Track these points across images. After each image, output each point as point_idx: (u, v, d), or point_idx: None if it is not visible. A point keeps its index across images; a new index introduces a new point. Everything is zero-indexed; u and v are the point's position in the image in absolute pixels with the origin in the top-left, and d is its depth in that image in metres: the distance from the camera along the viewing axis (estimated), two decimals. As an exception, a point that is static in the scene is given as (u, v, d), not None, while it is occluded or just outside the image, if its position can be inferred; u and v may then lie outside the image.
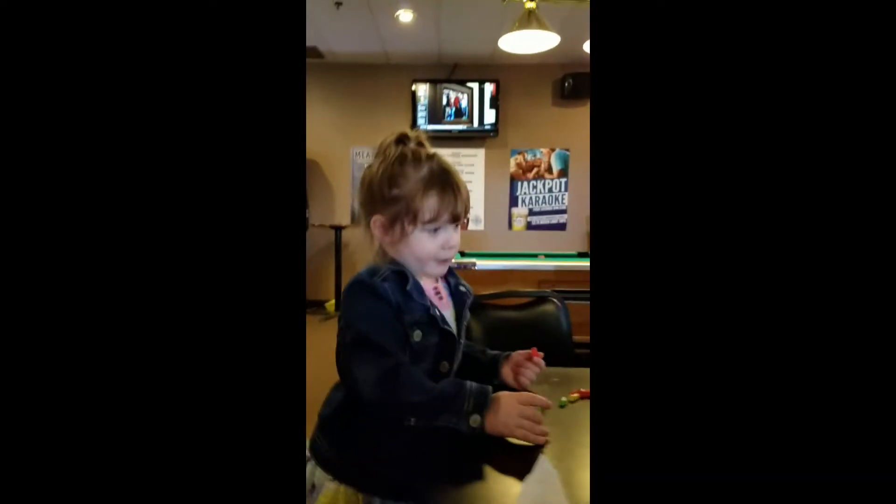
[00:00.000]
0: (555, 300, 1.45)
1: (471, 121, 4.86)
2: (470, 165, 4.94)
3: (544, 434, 0.66)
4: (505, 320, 1.41)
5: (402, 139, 0.81)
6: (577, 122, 4.93)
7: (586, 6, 2.91)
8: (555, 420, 0.77)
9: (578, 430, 0.73)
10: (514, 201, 5.06)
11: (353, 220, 5.08)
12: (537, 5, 2.64)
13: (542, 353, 0.87)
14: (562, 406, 0.81)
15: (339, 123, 5.04)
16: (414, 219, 0.77)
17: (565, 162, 5.03)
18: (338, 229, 4.81)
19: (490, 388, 0.69)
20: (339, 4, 3.66)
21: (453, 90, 4.85)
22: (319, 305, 4.93)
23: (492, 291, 1.48)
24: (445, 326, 0.80)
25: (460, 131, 4.86)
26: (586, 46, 3.00)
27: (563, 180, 5.03)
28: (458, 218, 0.79)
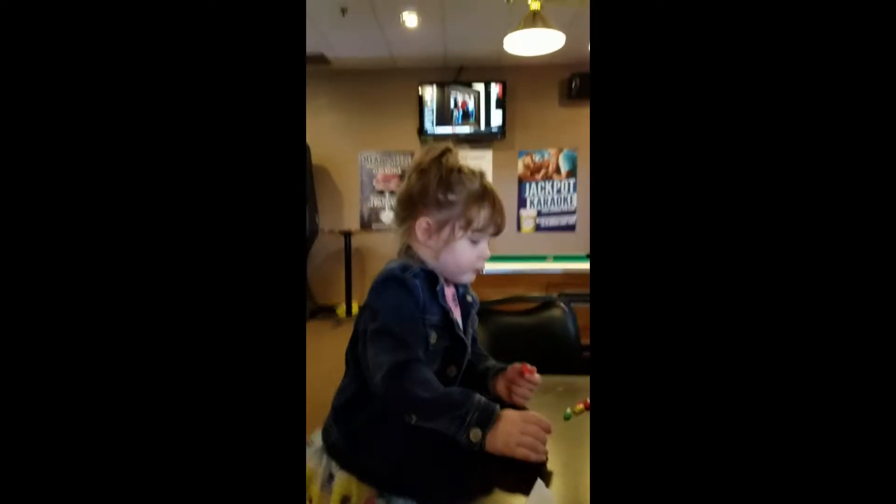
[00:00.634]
0: (561, 304, 1.44)
1: (478, 123, 4.85)
2: (477, 168, 4.93)
3: (545, 454, 0.66)
4: (511, 326, 1.40)
5: (447, 151, 0.85)
6: (584, 122, 4.89)
7: (591, 6, 2.88)
8: (559, 434, 0.75)
9: (584, 443, 0.72)
10: (522, 203, 5.03)
11: (363, 225, 5.09)
12: (542, 6, 2.62)
13: (534, 368, 0.85)
14: (566, 418, 0.79)
15: (346, 129, 5.05)
16: (466, 225, 0.81)
17: (573, 162, 4.99)
18: (347, 235, 4.82)
19: (497, 406, 0.69)
20: (344, 11, 3.67)
21: (460, 93, 4.84)
22: (330, 311, 4.95)
23: (499, 296, 1.47)
24: (458, 332, 0.83)
25: (468, 134, 4.84)
26: (592, 46, 2.97)
27: (572, 181, 5.00)
28: (500, 231, 0.85)
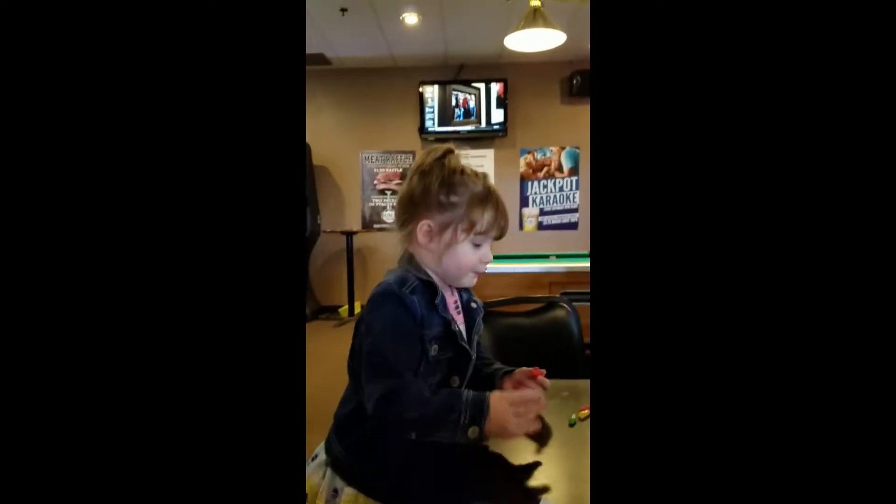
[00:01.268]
0: (564, 305, 1.42)
1: (479, 121, 4.83)
2: (479, 167, 4.87)
3: (539, 423, 0.70)
4: (514, 328, 1.38)
5: (448, 153, 0.83)
6: (586, 119, 4.85)
7: (592, 2, 2.87)
8: (564, 441, 0.74)
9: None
10: (524, 202, 5.02)
11: (365, 224, 5.08)
12: (543, 3, 2.60)
13: (544, 371, 0.84)
14: (571, 425, 0.78)
15: (347, 129, 5.04)
16: (469, 228, 0.79)
17: (576, 160, 4.97)
18: (349, 235, 4.81)
19: (486, 394, 0.69)
20: (344, 10, 3.65)
21: (461, 91, 4.83)
22: (333, 311, 4.94)
23: (502, 296, 1.45)
24: (462, 343, 0.81)
25: (469, 132, 4.83)
26: (593, 43, 2.95)
27: (574, 178, 4.98)
28: (503, 234, 0.83)
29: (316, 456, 0.83)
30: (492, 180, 0.84)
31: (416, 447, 0.73)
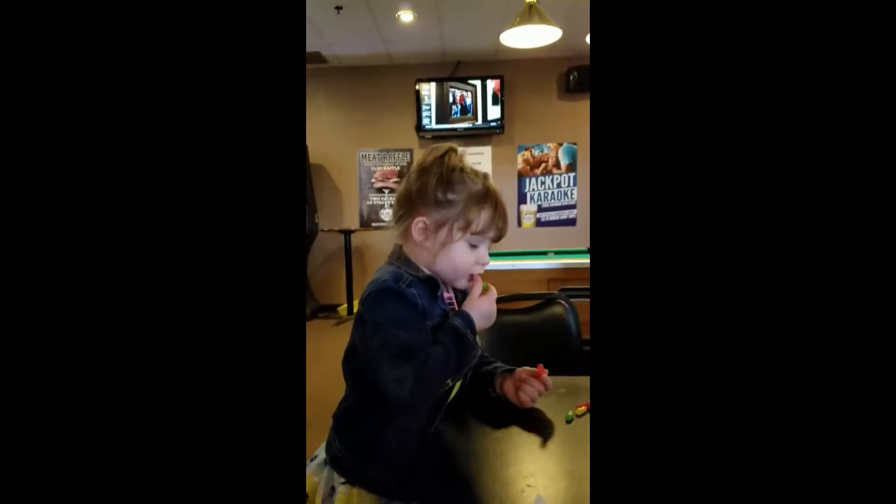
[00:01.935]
0: (562, 301, 1.42)
1: (476, 118, 4.82)
2: (477, 164, 4.90)
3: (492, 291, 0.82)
4: (512, 325, 1.38)
5: (450, 151, 0.83)
6: (583, 115, 4.87)
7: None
8: (561, 437, 0.74)
9: (587, 447, 0.70)
10: (522, 198, 5.01)
11: (363, 223, 5.07)
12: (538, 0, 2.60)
13: (547, 371, 0.84)
14: (568, 421, 0.78)
15: (344, 127, 5.03)
16: (465, 226, 0.78)
17: (573, 156, 4.97)
18: (347, 233, 4.80)
19: (467, 314, 0.78)
20: (339, 9, 3.64)
21: (458, 88, 4.82)
22: (332, 310, 4.94)
23: (500, 292, 1.45)
24: None
25: (466, 129, 4.82)
26: (589, 39, 2.94)
27: (572, 175, 4.97)
28: (501, 236, 0.82)
29: (316, 457, 0.83)
30: (490, 178, 0.83)
31: (418, 441, 0.74)
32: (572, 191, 4.99)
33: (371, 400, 0.76)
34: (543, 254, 3.13)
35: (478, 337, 0.77)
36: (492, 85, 4.78)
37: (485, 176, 0.82)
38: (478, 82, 4.80)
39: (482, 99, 4.81)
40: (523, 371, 0.86)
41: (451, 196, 0.78)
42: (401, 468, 0.74)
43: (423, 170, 0.81)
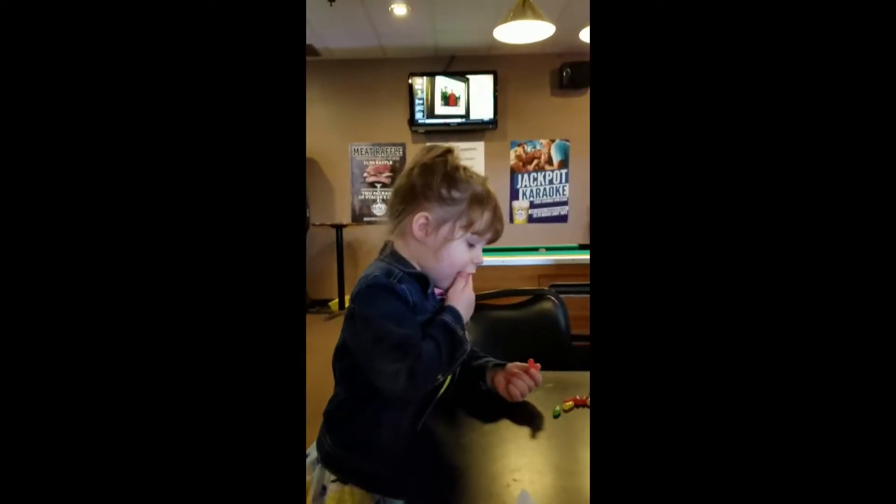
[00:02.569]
0: (552, 297, 1.42)
1: (468, 113, 4.82)
2: (470, 159, 4.90)
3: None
4: (501, 321, 1.38)
5: (450, 151, 0.84)
6: (576, 111, 4.87)
7: (581, -6, 2.86)
8: (549, 432, 0.74)
9: (574, 442, 0.71)
10: (514, 194, 5.02)
11: (354, 217, 5.06)
12: (531, -5, 2.59)
13: (539, 366, 0.85)
14: (556, 416, 0.78)
15: (336, 121, 5.01)
16: (468, 225, 0.80)
17: (565, 152, 4.97)
18: (339, 228, 4.78)
19: (454, 308, 0.79)
20: (332, 1, 3.61)
21: (451, 83, 4.80)
22: (323, 304, 4.93)
23: (491, 289, 1.45)
24: None
25: (459, 124, 4.81)
26: (583, 35, 2.94)
27: (564, 171, 4.98)
28: (497, 238, 0.85)
29: (307, 455, 0.83)
30: (480, 172, 0.85)
31: (409, 437, 0.74)
32: (564, 187, 5.00)
33: (361, 397, 0.76)
34: (535, 250, 3.13)
35: (466, 332, 0.78)
36: (486, 80, 4.77)
37: (485, 179, 0.84)
38: (472, 77, 4.79)
39: (476, 94, 4.80)
40: (515, 366, 0.87)
41: (455, 194, 0.79)
42: (391, 464, 0.74)
43: (426, 166, 0.81)
